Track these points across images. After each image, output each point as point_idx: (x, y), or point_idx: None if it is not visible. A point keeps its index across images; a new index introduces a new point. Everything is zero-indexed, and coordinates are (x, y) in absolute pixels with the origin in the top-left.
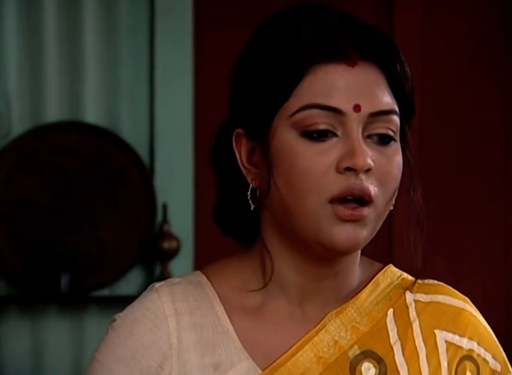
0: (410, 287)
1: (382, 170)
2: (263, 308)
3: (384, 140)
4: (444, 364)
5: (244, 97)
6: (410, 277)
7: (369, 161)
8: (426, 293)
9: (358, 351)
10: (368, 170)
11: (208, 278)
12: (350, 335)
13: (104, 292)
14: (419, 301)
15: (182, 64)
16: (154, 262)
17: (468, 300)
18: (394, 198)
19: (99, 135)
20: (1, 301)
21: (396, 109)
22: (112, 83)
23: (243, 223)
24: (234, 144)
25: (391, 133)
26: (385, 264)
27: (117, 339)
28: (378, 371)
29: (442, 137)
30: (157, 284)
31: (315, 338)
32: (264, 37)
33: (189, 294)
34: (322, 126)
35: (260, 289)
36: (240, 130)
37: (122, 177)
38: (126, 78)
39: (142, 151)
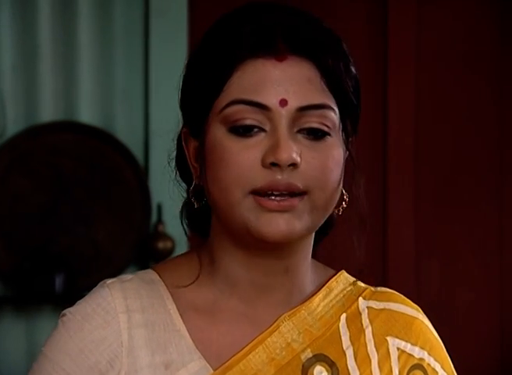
0: (362, 294)
1: (315, 164)
2: (215, 307)
3: (316, 134)
4: (396, 371)
5: (184, 95)
6: (363, 284)
7: (294, 156)
8: (379, 300)
9: (311, 355)
10: (294, 165)
11: (160, 276)
12: (303, 338)
13: None
14: (372, 308)
15: (176, 64)
16: (149, 262)
17: (420, 309)
18: (337, 193)
19: (94, 135)
20: None
21: (331, 105)
22: (106, 84)
23: (199, 221)
24: (184, 144)
25: (325, 128)
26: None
27: (66, 334)
28: None
29: (437, 137)
30: (108, 281)
31: (268, 340)
32: (206, 36)
33: (142, 292)
34: (248, 122)
35: (191, 282)
36: (185, 129)
37: (116, 177)
38: (120, 78)
39: (137, 151)
